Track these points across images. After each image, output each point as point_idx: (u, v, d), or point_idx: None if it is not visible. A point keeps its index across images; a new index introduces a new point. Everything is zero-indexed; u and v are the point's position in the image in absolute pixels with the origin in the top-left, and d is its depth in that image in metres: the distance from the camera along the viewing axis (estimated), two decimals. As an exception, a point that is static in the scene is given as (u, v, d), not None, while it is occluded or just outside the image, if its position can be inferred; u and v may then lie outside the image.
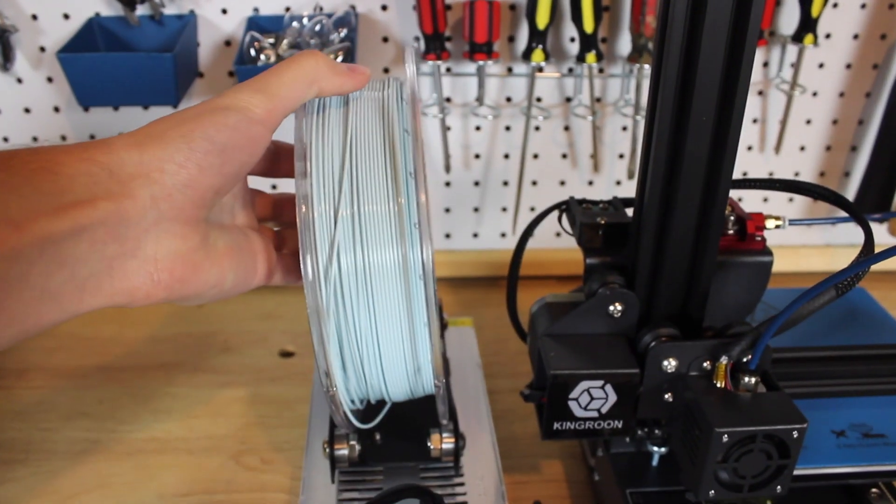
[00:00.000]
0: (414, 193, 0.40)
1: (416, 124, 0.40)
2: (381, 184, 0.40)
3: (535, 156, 0.81)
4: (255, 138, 0.38)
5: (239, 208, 0.45)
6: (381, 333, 0.41)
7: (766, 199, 0.85)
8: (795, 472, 0.46)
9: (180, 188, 0.36)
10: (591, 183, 0.83)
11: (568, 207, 0.53)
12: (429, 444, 0.52)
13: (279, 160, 0.47)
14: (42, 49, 0.72)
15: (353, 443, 0.51)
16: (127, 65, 0.66)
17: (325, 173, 0.40)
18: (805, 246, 0.87)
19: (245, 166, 0.39)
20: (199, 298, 0.40)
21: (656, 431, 0.51)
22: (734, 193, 0.49)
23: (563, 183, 0.83)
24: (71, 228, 0.32)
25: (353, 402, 0.45)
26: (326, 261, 0.39)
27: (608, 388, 0.47)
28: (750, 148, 0.82)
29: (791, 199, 0.85)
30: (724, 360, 0.45)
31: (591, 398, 0.47)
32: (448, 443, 0.52)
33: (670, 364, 0.47)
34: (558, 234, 0.84)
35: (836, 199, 0.49)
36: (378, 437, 0.54)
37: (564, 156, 0.81)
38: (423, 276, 0.40)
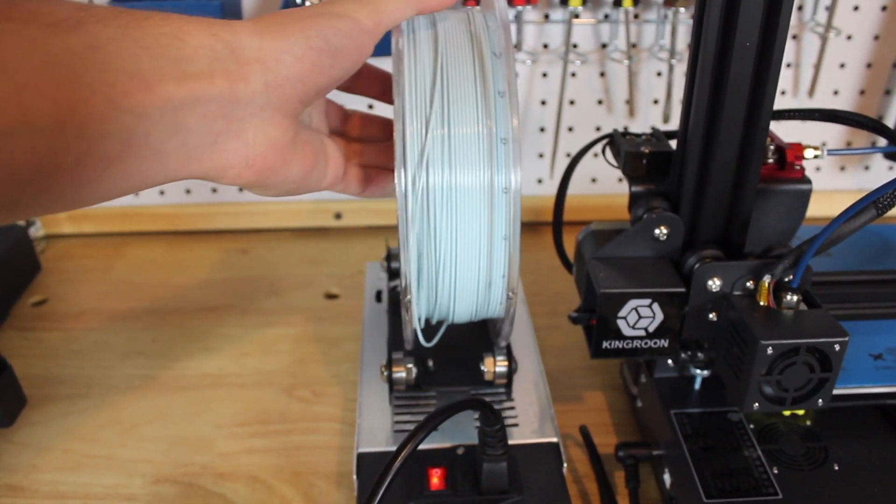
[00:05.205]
0: (503, 113, 0.41)
1: (508, 45, 0.42)
2: (470, 105, 0.41)
3: (572, 102, 0.82)
4: (362, 47, 0.40)
5: (318, 114, 0.47)
6: (459, 245, 0.42)
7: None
8: (834, 392, 0.47)
9: (292, 80, 0.37)
10: (626, 129, 0.84)
11: (612, 139, 0.54)
12: (482, 367, 0.53)
13: (359, 77, 0.49)
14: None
15: (409, 366, 0.53)
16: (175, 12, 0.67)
17: (418, 92, 0.41)
18: (839, 191, 0.88)
19: (347, 73, 0.40)
20: (277, 189, 0.41)
21: (699, 354, 0.52)
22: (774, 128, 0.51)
23: (598, 129, 0.84)
24: (189, 98, 0.34)
25: (419, 318, 0.47)
26: (414, 174, 0.41)
27: (655, 306, 0.48)
28: (784, 92, 0.82)
29: (824, 143, 0.86)
30: (766, 279, 0.47)
31: (639, 317, 0.48)
32: (501, 366, 0.53)
33: (715, 283, 0.48)
34: (594, 180, 0.86)
35: (874, 126, 0.50)
36: (431, 363, 0.56)
37: (600, 102, 0.82)
38: (508, 191, 0.41)
